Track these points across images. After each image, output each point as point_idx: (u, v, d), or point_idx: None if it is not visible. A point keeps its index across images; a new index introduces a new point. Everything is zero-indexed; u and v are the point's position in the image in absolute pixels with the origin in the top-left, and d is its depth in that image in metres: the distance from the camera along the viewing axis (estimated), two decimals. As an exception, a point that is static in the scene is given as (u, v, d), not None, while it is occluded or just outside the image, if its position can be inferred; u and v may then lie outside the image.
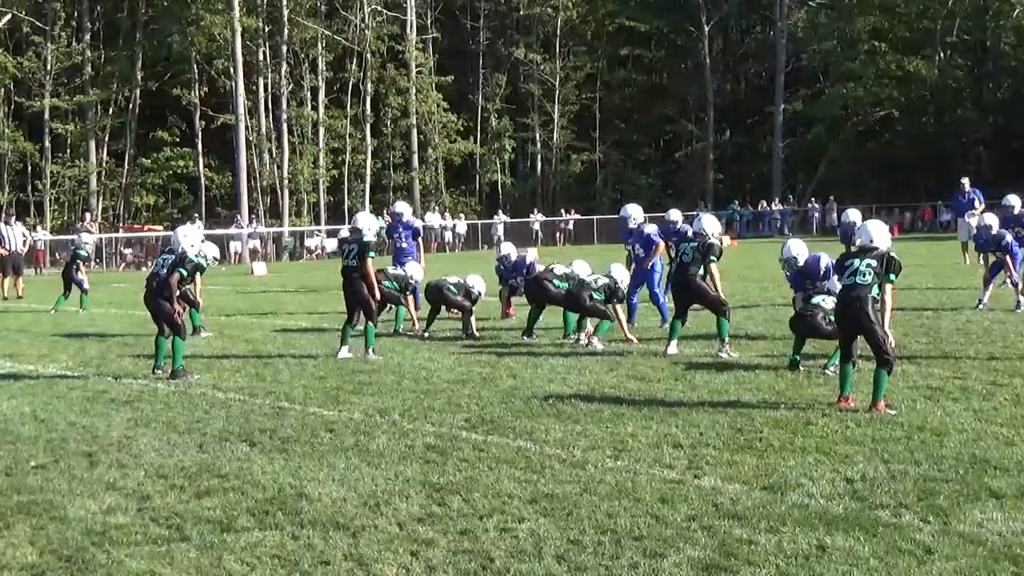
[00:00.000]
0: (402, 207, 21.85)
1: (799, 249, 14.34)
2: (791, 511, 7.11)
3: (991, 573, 6.00)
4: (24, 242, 31.00)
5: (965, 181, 30.45)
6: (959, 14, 66.95)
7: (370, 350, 14.71)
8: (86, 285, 24.61)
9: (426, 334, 17.07)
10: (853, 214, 21.62)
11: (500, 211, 61.28)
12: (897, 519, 6.90)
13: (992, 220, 19.39)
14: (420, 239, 20.91)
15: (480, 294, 17.63)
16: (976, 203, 29.00)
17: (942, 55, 67.73)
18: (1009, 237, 18.73)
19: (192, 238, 14.12)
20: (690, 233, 15.16)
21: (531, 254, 20.18)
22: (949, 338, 15.08)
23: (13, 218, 32.64)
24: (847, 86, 65.94)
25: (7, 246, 29.11)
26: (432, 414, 10.67)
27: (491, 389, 11.99)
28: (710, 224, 14.76)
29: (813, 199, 64.41)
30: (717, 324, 14.19)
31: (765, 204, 64.57)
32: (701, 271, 14.27)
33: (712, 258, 14.30)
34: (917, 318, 17.40)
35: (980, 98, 66.82)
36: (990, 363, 12.76)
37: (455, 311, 17.70)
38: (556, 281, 16.48)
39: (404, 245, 20.25)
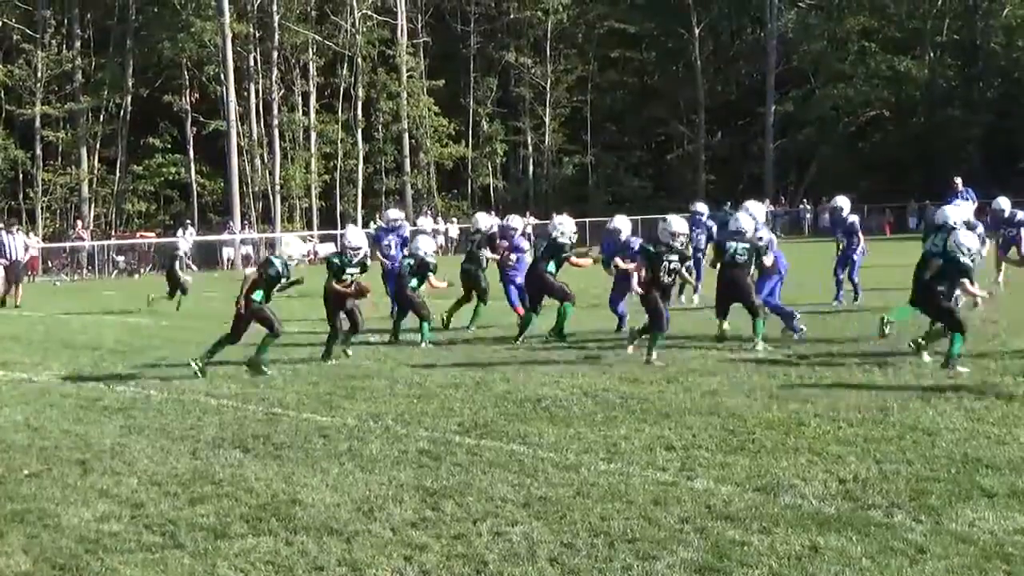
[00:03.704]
0: (396, 214, 21.77)
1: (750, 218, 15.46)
2: (784, 512, 7.13)
3: (983, 572, 6.02)
4: (25, 251, 30.82)
5: (958, 180, 30.31)
6: (949, 14, 67.22)
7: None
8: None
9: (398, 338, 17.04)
10: (841, 200, 21.49)
11: (492, 214, 61.22)
12: (889, 519, 6.92)
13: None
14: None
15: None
16: (970, 202, 28.91)
17: (932, 55, 67.90)
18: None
19: (293, 248, 14.79)
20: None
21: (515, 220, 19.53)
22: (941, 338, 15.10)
23: (15, 227, 32.44)
24: (837, 86, 66.10)
25: (8, 255, 28.91)
26: (425, 419, 10.68)
27: (484, 393, 12.00)
28: (747, 222, 15.27)
29: (804, 199, 64.49)
30: (753, 324, 14.81)
31: (757, 205, 64.56)
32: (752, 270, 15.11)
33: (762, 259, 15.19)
34: (910, 316, 17.42)
35: (970, 98, 66.94)
36: (981, 361, 12.78)
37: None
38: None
39: (392, 252, 20.21)
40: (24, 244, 30.42)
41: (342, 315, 15.29)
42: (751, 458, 8.59)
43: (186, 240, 28.78)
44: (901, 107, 67.54)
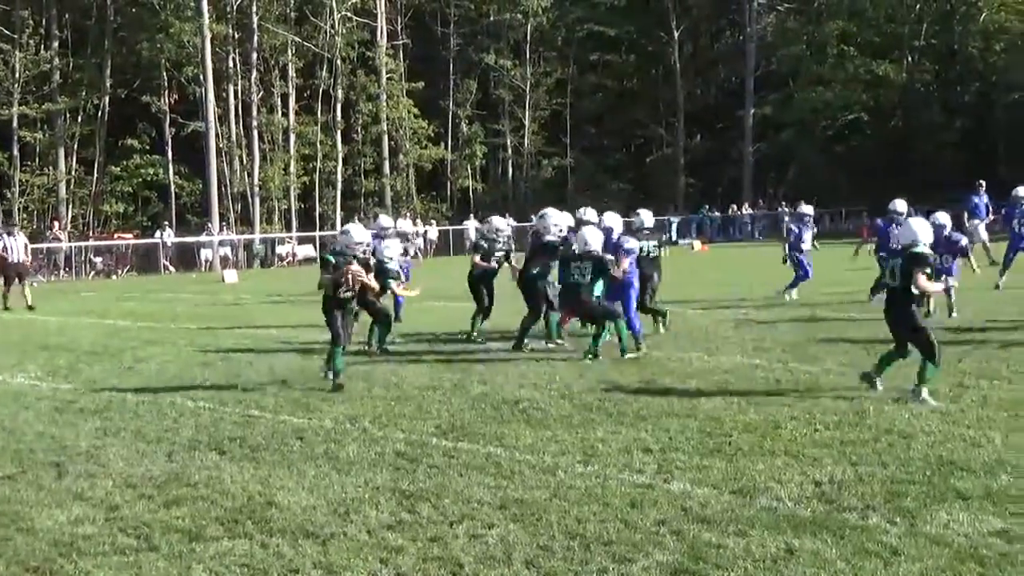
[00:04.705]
0: (387, 221, 21.42)
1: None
2: (759, 514, 7.16)
3: (957, 574, 6.05)
4: (26, 251, 30.39)
5: (982, 183, 30.12)
6: (927, 18, 67.57)
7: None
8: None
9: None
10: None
11: (471, 216, 61.29)
12: (864, 521, 6.95)
13: (946, 220, 18.59)
14: None
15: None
16: (989, 209, 28.90)
17: (910, 59, 68.25)
18: (964, 241, 18.52)
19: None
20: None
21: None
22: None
23: (16, 228, 32.07)
24: (816, 90, 66.35)
25: (11, 256, 28.52)
26: (402, 421, 10.67)
27: (461, 395, 12.00)
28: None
29: (783, 202, 64.72)
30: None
31: (735, 208, 64.87)
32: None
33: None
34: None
35: (948, 101, 67.29)
36: (957, 365, 12.83)
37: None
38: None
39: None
40: (25, 245, 29.99)
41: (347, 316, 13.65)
42: (728, 461, 8.61)
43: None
44: (879, 111, 67.84)
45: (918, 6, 67.27)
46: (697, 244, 52.65)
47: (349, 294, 13.06)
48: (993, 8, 65.31)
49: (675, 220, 61.72)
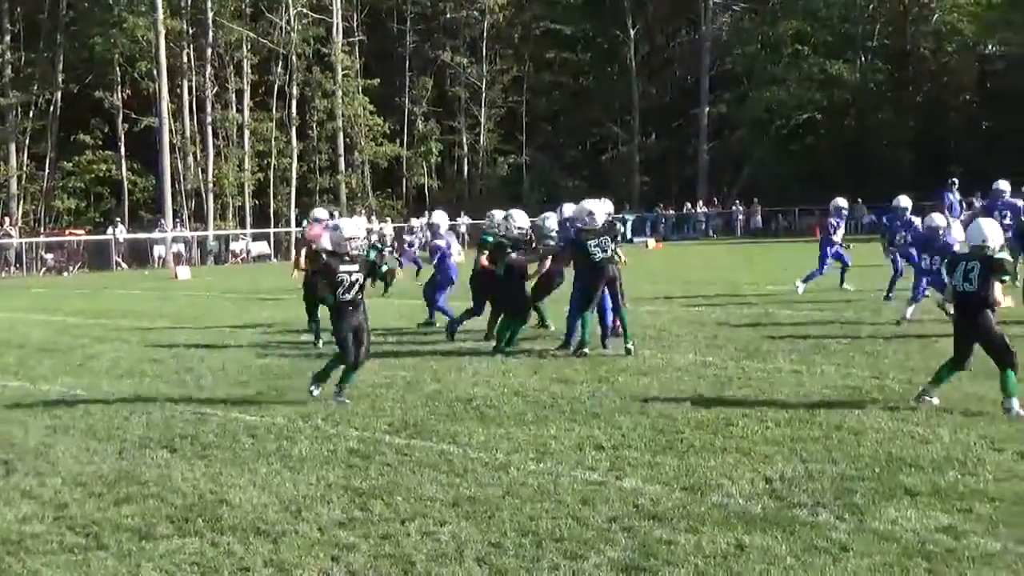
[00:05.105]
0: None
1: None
2: (711, 511, 7.20)
3: (904, 570, 6.11)
4: None
5: (955, 181, 30.06)
6: (880, 19, 68.13)
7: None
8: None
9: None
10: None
11: (427, 213, 61.17)
12: (814, 518, 7.01)
13: (942, 221, 18.26)
14: None
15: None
16: (963, 205, 29.05)
17: (864, 59, 68.77)
18: (957, 247, 18.36)
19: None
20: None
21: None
22: (868, 338, 15.29)
23: None
24: (771, 89, 66.70)
25: None
26: (355, 418, 10.64)
27: (415, 393, 11.98)
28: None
29: (737, 201, 65.06)
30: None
31: (690, 206, 65.12)
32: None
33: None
34: (838, 319, 17.63)
35: (901, 101, 67.89)
36: (907, 363, 12.95)
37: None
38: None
39: None
40: None
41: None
42: (679, 458, 8.65)
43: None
44: (833, 110, 68.31)
45: (871, 7, 67.84)
46: (651, 242, 52.85)
47: (353, 292, 11.54)
48: (945, 10, 65.96)
49: (630, 218, 61.89)
